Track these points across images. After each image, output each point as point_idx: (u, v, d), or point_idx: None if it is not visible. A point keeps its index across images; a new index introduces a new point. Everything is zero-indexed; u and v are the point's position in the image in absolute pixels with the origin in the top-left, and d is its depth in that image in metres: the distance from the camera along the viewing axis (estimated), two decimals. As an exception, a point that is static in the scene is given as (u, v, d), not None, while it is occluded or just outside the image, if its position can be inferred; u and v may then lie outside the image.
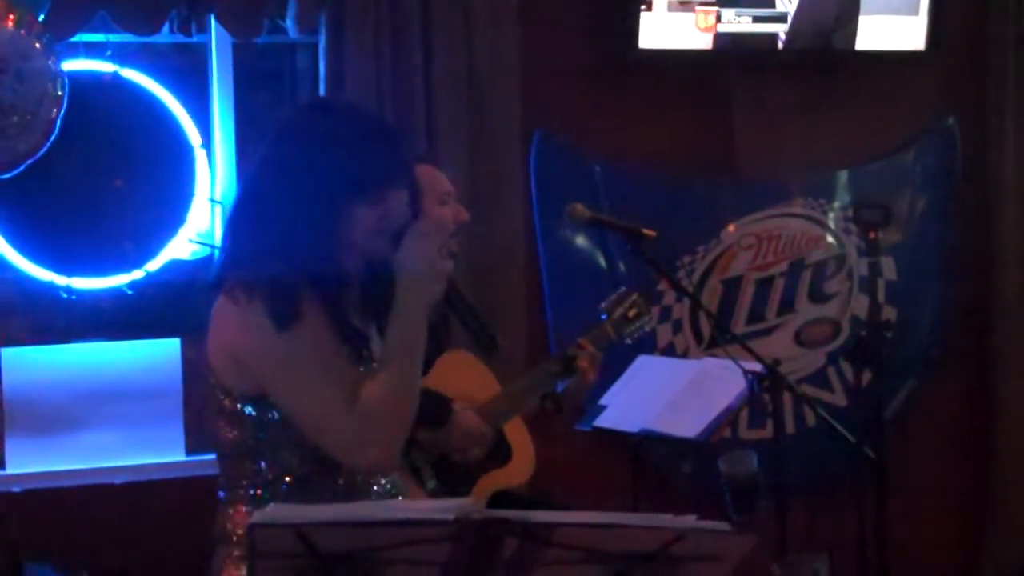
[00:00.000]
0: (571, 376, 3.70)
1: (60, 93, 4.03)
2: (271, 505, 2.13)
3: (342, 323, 2.45)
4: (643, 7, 4.69)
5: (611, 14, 4.79)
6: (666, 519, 1.99)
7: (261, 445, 2.45)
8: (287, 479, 2.45)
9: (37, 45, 3.98)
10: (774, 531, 3.76)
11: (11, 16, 3.94)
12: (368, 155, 2.45)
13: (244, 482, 2.47)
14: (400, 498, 2.56)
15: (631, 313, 3.85)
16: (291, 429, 2.42)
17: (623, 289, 3.92)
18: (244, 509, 2.45)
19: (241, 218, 2.51)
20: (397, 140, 2.55)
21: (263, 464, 2.45)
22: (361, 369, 2.47)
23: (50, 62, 4.02)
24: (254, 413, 2.44)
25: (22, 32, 3.96)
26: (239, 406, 2.45)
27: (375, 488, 2.53)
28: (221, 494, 2.51)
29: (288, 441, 2.43)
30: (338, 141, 2.45)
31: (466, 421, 3.60)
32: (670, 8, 4.74)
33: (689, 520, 1.99)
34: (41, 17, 4.07)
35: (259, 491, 2.45)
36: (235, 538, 2.45)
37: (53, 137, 4.04)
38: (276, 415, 2.42)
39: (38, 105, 3.97)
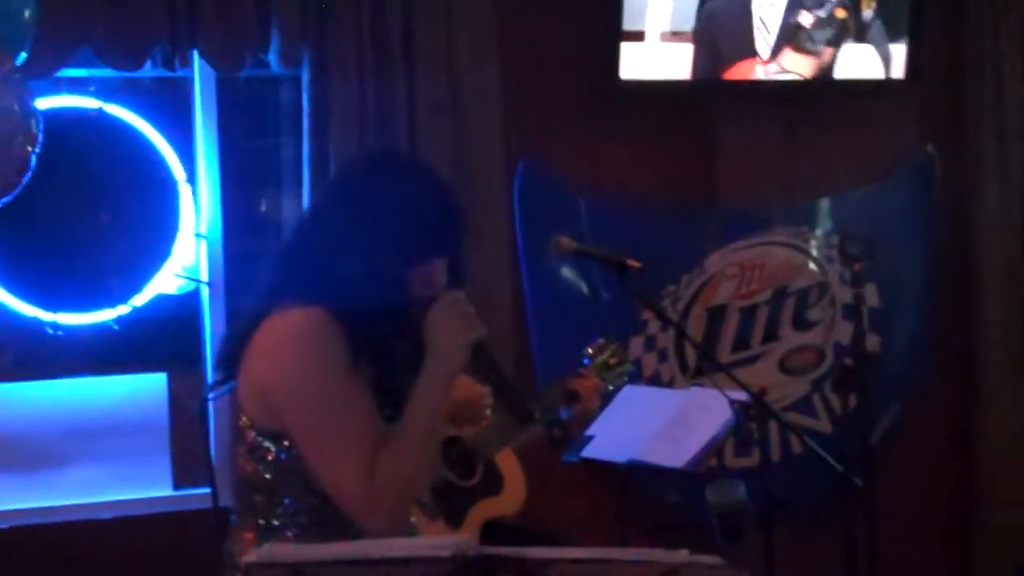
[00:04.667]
0: (573, 404, 3.72)
1: (34, 131, 4.00)
2: (267, 544, 2.14)
3: (390, 375, 2.48)
4: (634, 38, 4.71)
5: (593, 45, 4.81)
6: (659, 554, 2.00)
7: (277, 481, 2.47)
8: (305, 515, 2.47)
9: (3, 83, 3.95)
10: (762, 559, 3.76)
11: None
12: (437, 217, 2.60)
13: (259, 513, 2.50)
14: (413, 521, 2.59)
15: (612, 361, 3.87)
16: (305, 472, 2.44)
17: (601, 339, 3.93)
18: (248, 536, 2.49)
19: (310, 251, 2.55)
20: (460, 212, 2.70)
21: (279, 500, 2.47)
22: (389, 426, 2.49)
23: (19, 100, 3.99)
24: (272, 448, 2.47)
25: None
26: (259, 440, 2.48)
27: None
28: (232, 519, 2.56)
29: (303, 481, 2.46)
30: (417, 196, 2.59)
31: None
32: (663, 39, 4.76)
33: (682, 555, 1.99)
34: (22, 57, 4.04)
35: (273, 522, 2.48)
36: (239, 562, 2.47)
37: (28, 175, 4.01)
38: (289, 456, 2.45)
39: (7, 144, 3.94)
